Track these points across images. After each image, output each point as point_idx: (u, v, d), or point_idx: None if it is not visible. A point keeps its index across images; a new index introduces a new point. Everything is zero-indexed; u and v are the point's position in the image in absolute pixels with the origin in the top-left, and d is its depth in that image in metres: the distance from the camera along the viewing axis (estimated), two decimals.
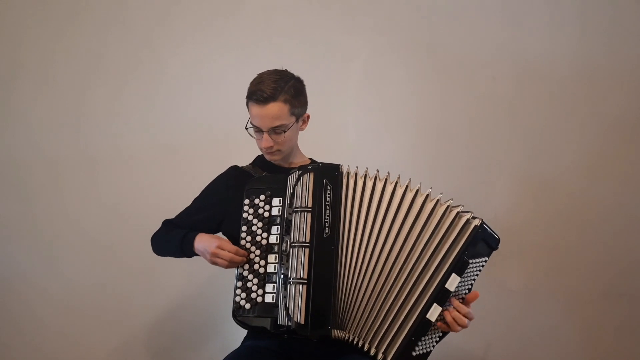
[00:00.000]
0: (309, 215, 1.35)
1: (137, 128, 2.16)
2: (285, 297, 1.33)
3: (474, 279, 1.36)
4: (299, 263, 1.33)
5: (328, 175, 1.38)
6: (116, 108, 2.16)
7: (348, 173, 1.40)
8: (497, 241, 1.37)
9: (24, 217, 2.12)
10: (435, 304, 1.32)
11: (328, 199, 1.36)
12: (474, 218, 1.35)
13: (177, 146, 2.15)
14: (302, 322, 1.30)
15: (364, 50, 2.20)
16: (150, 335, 2.13)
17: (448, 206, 1.37)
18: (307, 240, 1.34)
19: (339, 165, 1.40)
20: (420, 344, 1.34)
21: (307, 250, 1.33)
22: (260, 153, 1.61)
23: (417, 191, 1.39)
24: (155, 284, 2.12)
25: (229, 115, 2.14)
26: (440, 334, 1.37)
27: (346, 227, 1.36)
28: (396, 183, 1.40)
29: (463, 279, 1.34)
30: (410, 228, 1.36)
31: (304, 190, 1.37)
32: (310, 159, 1.66)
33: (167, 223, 1.62)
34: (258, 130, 1.49)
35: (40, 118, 2.14)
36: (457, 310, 1.33)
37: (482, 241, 1.35)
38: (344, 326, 1.34)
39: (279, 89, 1.45)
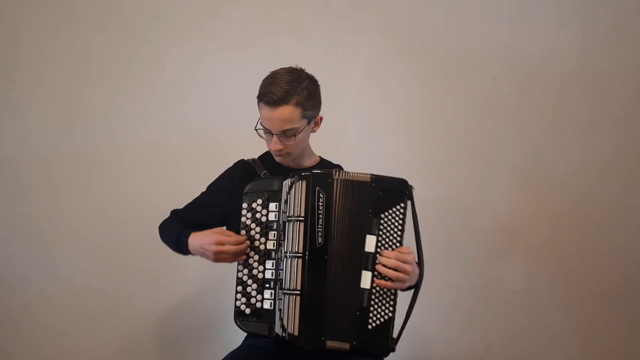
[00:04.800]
0: (302, 225, 1.34)
1: (135, 128, 2.15)
2: (280, 307, 1.34)
3: (399, 231, 1.35)
4: (293, 274, 1.33)
5: (320, 183, 1.35)
6: (114, 108, 2.15)
7: (341, 179, 1.36)
8: (402, 183, 1.36)
9: (22, 218, 2.12)
10: (363, 271, 1.32)
11: (321, 208, 1.34)
12: (363, 175, 1.36)
13: (175, 146, 2.14)
14: (296, 333, 1.31)
15: (364, 50, 2.19)
16: (150, 336, 2.14)
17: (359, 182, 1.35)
18: (300, 250, 1.34)
19: (332, 171, 1.36)
20: (372, 315, 1.32)
21: (300, 260, 1.33)
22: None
23: None
24: (155, 284, 2.12)
25: (228, 115, 2.15)
26: (393, 296, 1.34)
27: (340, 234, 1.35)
28: None
29: (382, 235, 1.34)
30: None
31: (296, 198, 1.35)
32: (320, 157, 1.65)
33: (174, 214, 1.59)
34: (268, 132, 1.45)
35: (38, 118, 2.13)
36: (387, 258, 1.32)
37: (384, 192, 1.35)
38: (346, 336, 1.33)
39: (291, 92, 1.39)
